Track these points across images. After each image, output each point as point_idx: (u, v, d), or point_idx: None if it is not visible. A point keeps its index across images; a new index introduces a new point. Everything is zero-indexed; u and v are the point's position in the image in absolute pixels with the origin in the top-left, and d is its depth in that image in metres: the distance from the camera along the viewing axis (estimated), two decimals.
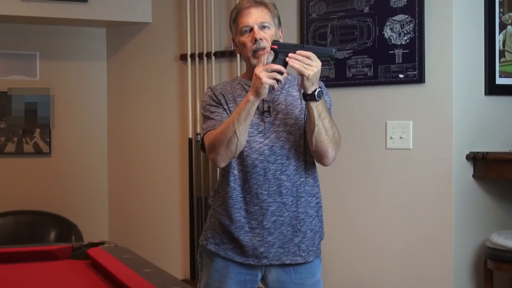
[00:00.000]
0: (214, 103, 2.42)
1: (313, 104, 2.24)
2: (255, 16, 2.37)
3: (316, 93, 2.21)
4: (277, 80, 2.19)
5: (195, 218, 4.37)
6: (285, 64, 2.19)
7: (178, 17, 4.55)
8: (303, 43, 2.25)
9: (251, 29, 2.37)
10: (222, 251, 2.42)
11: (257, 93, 2.19)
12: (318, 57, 2.20)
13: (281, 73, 2.19)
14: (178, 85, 4.57)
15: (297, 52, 2.19)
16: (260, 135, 2.35)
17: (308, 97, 2.23)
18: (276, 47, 2.20)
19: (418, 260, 3.51)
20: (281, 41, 2.32)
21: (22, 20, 4.67)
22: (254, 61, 2.36)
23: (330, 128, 2.30)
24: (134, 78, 4.83)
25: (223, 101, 2.41)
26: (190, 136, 4.42)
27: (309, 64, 2.18)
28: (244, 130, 2.25)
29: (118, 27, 4.87)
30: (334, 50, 2.27)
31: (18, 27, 4.81)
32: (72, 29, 4.91)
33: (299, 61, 2.18)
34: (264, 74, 2.17)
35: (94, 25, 4.87)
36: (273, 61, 2.20)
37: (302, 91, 2.26)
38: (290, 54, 2.18)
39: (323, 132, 2.28)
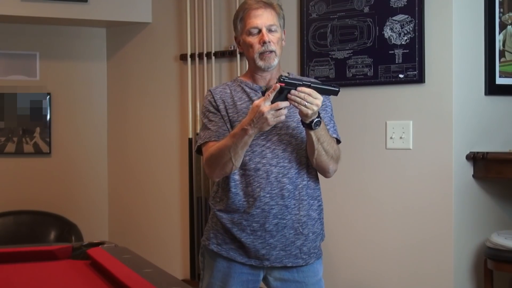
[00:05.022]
0: (213, 110, 2.42)
1: (311, 131, 2.24)
2: (264, 18, 2.36)
3: (313, 124, 2.21)
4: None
5: (195, 218, 4.37)
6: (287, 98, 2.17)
7: (178, 17, 4.55)
8: (309, 82, 2.20)
9: (259, 31, 2.36)
10: (224, 251, 2.42)
11: (259, 129, 2.19)
12: (322, 93, 2.17)
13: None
14: (178, 85, 4.57)
15: (298, 89, 2.15)
16: (262, 137, 2.35)
17: (306, 126, 2.24)
18: (283, 85, 2.15)
19: (418, 260, 3.51)
20: (286, 75, 2.24)
21: (22, 20, 4.67)
22: (260, 63, 2.36)
23: (330, 148, 2.31)
24: (134, 78, 4.83)
25: (221, 107, 2.41)
26: (190, 136, 4.42)
27: (310, 102, 2.15)
28: (240, 157, 2.28)
29: (118, 27, 4.87)
30: (338, 89, 2.23)
31: (18, 27, 4.81)
32: (72, 29, 4.91)
33: (301, 98, 2.15)
34: (271, 115, 2.15)
35: (94, 25, 4.86)
36: (278, 96, 2.16)
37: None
38: (292, 92, 2.15)
39: (323, 153, 2.31)
